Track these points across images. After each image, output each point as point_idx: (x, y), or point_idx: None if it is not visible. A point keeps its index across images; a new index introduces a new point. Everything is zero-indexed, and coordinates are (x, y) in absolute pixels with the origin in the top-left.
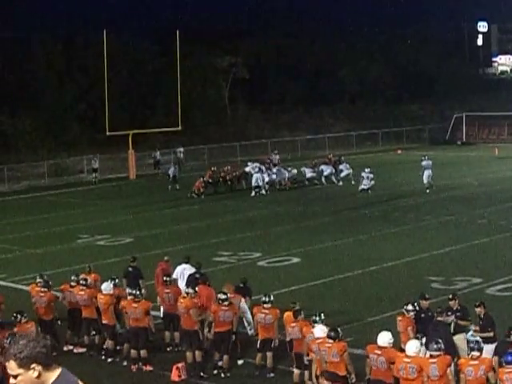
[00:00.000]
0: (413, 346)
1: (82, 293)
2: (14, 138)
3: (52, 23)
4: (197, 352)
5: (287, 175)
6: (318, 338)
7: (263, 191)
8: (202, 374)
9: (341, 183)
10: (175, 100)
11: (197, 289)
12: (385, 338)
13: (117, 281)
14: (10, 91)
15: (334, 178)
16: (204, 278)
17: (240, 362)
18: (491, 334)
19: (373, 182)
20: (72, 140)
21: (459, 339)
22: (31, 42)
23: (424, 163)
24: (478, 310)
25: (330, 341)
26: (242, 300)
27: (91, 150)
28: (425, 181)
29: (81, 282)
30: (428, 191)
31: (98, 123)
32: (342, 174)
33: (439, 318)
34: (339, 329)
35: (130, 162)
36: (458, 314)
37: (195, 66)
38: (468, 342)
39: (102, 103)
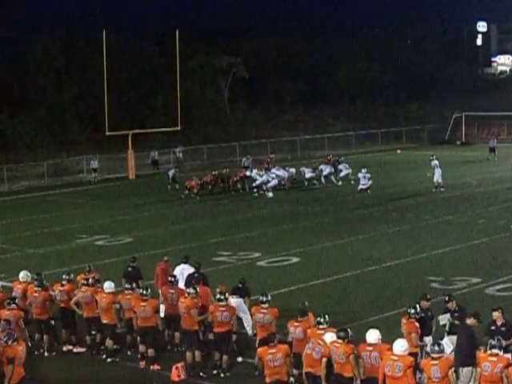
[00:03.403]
0: (399, 345)
1: (84, 290)
2: (13, 138)
3: (51, 23)
4: (196, 352)
5: (287, 175)
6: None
7: (270, 194)
8: (201, 373)
9: (340, 183)
10: (175, 100)
11: (197, 288)
12: (374, 336)
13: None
14: (9, 91)
15: (333, 178)
16: (200, 277)
17: (239, 359)
18: None
19: (371, 182)
20: (71, 140)
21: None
22: (30, 42)
23: (433, 163)
24: (449, 304)
25: (340, 341)
26: (242, 300)
27: (91, 150)
28: (439, 180)
29: (83, 281)
30: (435, 190)
31: (98, 123)
32: (342, 174)
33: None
34: (349, 329)
35: (130, 162)
36: (455, 314)
37: (195, 66)
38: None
39: (101, 103)
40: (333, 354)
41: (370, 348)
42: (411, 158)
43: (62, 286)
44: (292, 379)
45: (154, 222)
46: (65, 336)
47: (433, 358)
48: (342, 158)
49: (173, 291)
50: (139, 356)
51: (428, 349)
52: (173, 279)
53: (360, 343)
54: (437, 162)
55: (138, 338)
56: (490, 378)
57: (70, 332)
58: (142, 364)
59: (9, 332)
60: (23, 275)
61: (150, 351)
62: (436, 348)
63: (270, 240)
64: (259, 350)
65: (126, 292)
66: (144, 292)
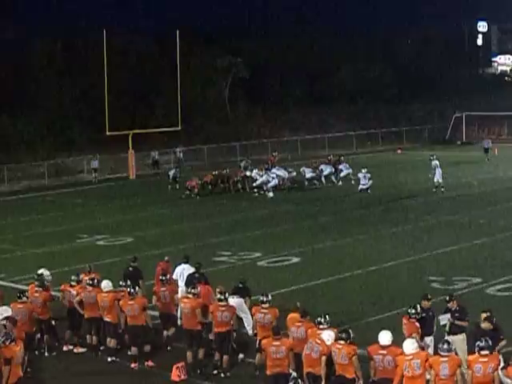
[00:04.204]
0: (410, 345)
1: (89, 290)
2: (13, 138)
3: (52, 23)
4: (200, 350)
5: (287, 175)
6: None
7: (271, 194)
8: (199, 371)
9: (340, 183)
10: (175, 100)
11: (199, 288)
12: (387, 337)
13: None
14: (9, 91)
15: (333, 178)
16: (202, 277)
17: (241, 355)
18: (465, 324)
19: (371, 182)
20: (72, 140)
21: (459, 340)
22: (31, 42)
23: (433, 163)
24: (450, 304)
25: (342, 342)
26: (242, 300)
27: (91, 150)
28: (440, 180)
29: (87, 281)
30: (435, 190)
31: (98, 123)
32: (342, 174)
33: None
34: (350, 330)
35: (130, 162)
36: (456, 314)
37: (195, 66)
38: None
39: (101, 103)
40: (335, 356)
41: (384, 352)
42: (412, 158)
43: (72, 286)
44: (294, 374)
45: (155, 221)
46: (68, 336)
47: (442, 356)
48: (343, 158)
49: (164, 289)
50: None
51: (430, 350)
52: (163, 278)
53: (372, 345)
54: (437, 162)
55: (128, 338)
56: (482, 380)
57: (75, 332)
58: (135, 366)
59: (6, 332)
60: (41, 272)
61: (146, 348)
62: (445, 346)
63: (270, 240)
64: (264, 341)
65: (120, 289)
66: (131, 291)
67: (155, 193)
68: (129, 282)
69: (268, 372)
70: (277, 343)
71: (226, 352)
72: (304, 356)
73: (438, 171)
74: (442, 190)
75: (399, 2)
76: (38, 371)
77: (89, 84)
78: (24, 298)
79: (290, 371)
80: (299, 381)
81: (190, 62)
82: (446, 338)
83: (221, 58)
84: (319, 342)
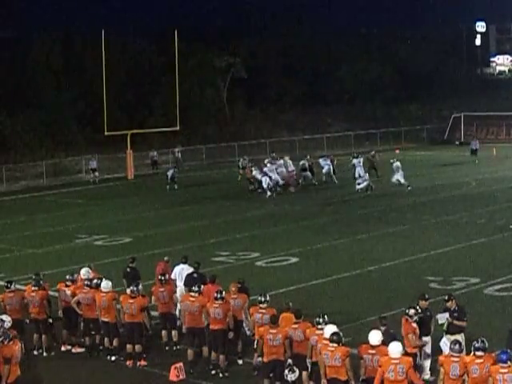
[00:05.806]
0: (396, 348)
1: (86, 291)
2: (12, 138)
3: (50, 23)
4: (204, 348)
5: (279, 179)
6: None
7: (268, 193)
8: (200, 369)
9: (336, 181)
10: (173, 100)
11: (202, 287)
12: (377, 337)
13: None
14: (8, 91)
15: (334, 178)
16: (201, 276)
17: (240, 361)
18: (464, 324)
19: (366, 183)
20: (70, 140)
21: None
22: (30, 42)
23: (394, 165)
24: (448, 304)
25: (334, 344)
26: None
27: (89, 150)
28: (402, 180)
29: (85, 283)
30: (410, 188)
31: (97, 123)
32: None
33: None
34: (340, 332)
35: (128, 162)
36: (454, 314)
37: (193, 66)
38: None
39: (100, 103)
40: (327, 358)
41: (373, 351)
42: (410, 158)
43: (67, 286)
44: (290, 361)
45: (153, 222)
46: (65, 336)
47: (453, 356)
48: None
49: (162, 289)
50: (126, 355)
51: (428, 350)
52: (162, 278)
53: (362, 344)
54: (398, 163)
55: (125, 337)
56: (479, 379)
57: (71, 332)
58: (130, 363)
59: (4, 331)
60: (85, 272)
61: (137, 347)
62: (457, 347)
63: (268, 240)
64: (261, 328)
65: (126, 289)
66: (134, 289)
67: (153, 193)
68: (132, 287)
69: (265, 359)
70: (274, 331)
71: (221, 351)
72: (327, 367)
73: (401, 173)
74: (409, 188)
75: (398, 2)
76: (35, 371)
77: (87, 84)
78: (12, 287)
79: (288, 361)
80: (295, 367)
81: (189, 62)
82: (444, 337)
83: (219, 58)
84: (333, 349)
